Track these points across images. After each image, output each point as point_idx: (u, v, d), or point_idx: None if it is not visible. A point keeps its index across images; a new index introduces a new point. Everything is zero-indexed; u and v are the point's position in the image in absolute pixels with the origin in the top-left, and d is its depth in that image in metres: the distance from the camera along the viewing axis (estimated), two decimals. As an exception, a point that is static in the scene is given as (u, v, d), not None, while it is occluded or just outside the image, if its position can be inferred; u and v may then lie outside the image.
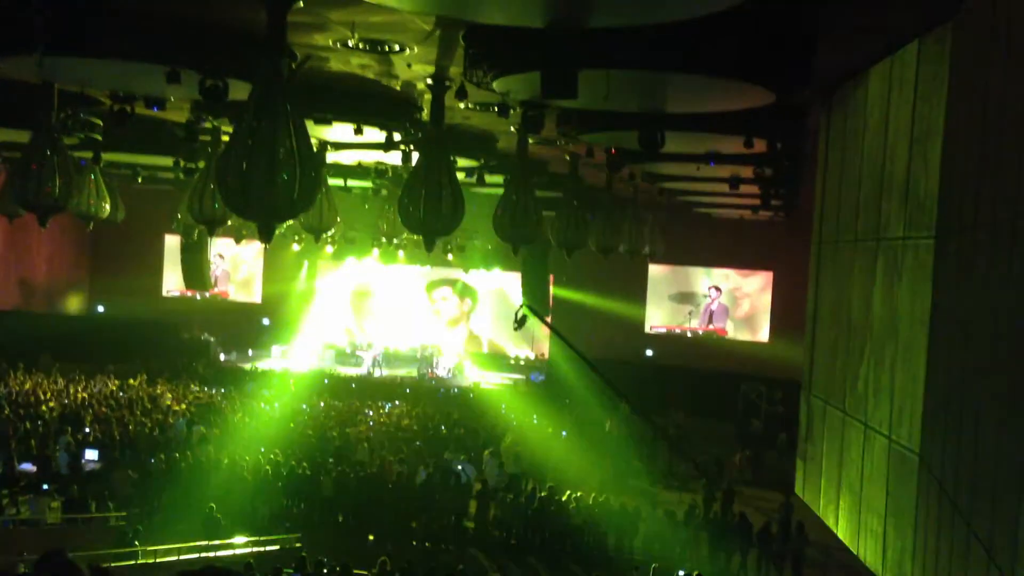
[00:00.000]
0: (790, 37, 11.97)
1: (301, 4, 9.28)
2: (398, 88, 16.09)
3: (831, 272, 19.23)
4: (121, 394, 26.49)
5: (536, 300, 33.23)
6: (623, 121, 15.48)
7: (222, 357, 37.60)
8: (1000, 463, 9.00)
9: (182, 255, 30.48)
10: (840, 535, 17.73)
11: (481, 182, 22.81)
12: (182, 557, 15.05)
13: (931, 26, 13.52)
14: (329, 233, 24.42)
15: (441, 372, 36.45)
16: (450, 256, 35.01)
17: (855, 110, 17.50)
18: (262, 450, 20.14)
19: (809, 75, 12.84)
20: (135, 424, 22.04)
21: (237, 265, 42.03)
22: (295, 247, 34.68)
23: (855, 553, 16.84)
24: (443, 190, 13.38)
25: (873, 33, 14.01)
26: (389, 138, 17.75)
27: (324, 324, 41.05)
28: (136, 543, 14.90)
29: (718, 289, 39.24)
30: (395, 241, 30.06)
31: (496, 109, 14.54)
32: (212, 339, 37.72)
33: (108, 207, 22.71)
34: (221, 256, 40.35)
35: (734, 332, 39.20)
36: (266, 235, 9.06)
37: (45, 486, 17.52)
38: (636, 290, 38.71)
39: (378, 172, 24.63)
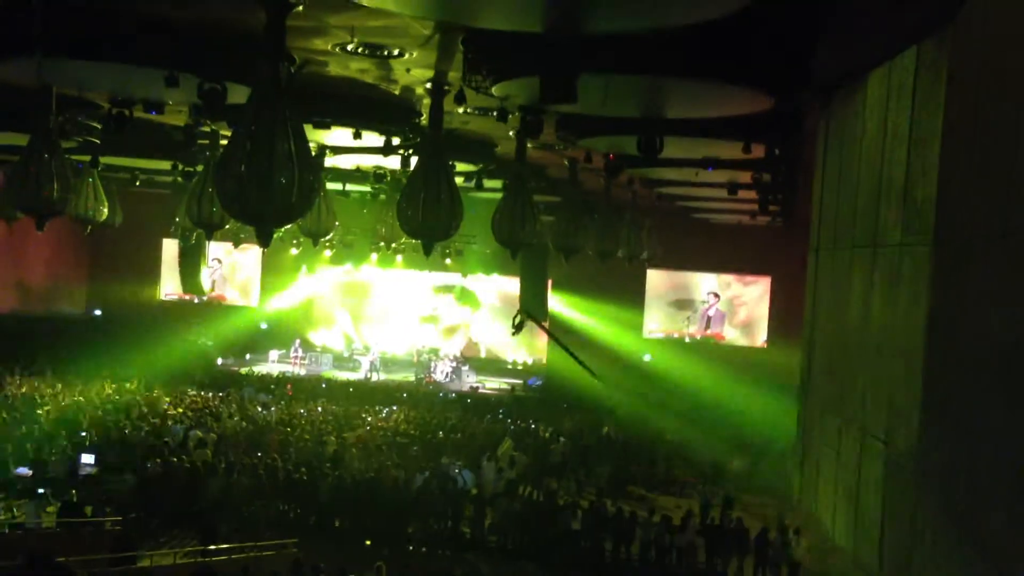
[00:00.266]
0: (788, 42, 11.99)
1: (300, 8, 9.30)
2: (397, 92, 16.09)
3: (829, 277, 19.22)
4: (118, 398, 26.43)
5: (534, 305, 33.22)
6: (622, 126, 15.50)
7: (219, 361, 37.58)
8: (997, 469, 9.00)
9: (180, 259, 30.44)
10: (837, 540, 17.72)
11: (480, 187, 22.83)
12: (178, 562, 15.02)
13: (929, 31, 13.53)
14: (327, 237, 24.42)
15: (439, 376, 36.41)
16: (448, 260, 35.00)
17: (853, 115, 17.50)
18: (259, 455, 20.11)
19: (807, 80, 12.87)
20: (132, 428, 22.00)
21: (235, 269, 42.00)
22: (293, 251, 34.66)
23: (852, 558, 16.82)
24: (442, 194, 13.40)
25: (871, 38, 14.02)
26: (388, 142, 17.76)
27: (322, 328, 41.09)
28: (132, 548, 14.85)
29: (716, 295, 39.24)
30: (393, 245, 30.05)
31: (495, 114, 14.55)
32: (210, 343, 37.67)
33: (106, 211, 22.72)
34: (219, 260, 40.33)
35: (732, 337, 39.19)
36: (264, 239, 9.06)
37: (41, 490, 17.47)
38: (634, 295, 38.70)
39: (377, 176, 24.63)
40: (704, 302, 39.34)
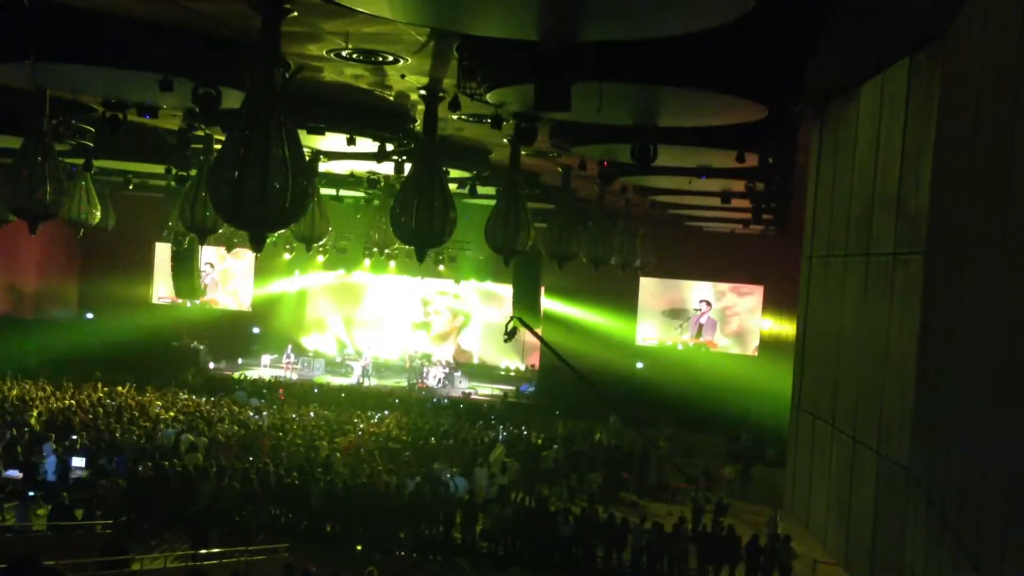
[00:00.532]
0: (783, 52, 12.03)
1: (295, 14, 9.32)
2: (391, 98, 16.10)
3: (821, 286, 19.29)
4: (109, 401, 26.37)
5: (527, 312, 33.25)
6: (616, 134, 15.54)
7: (211, 365, 37.51)
8: (988, 477, 9.02)
9: (172, 263, 30.40)
10: (828, 549, 17.75)
11: (473, 193, 22.84)
12: (169, 565, 14.97)
13: (922, 43, 13.60)
14: (321, 243, 24.40)
15: (431, 382, 36.39)
16: (442, 267, 35.00)
17: (847, 125, 17.58)
18: (251, 459, 20.08)
19: (801, 90, 12.92)
20: (123, 432, 21.94)
21: (228, 274, 41.93)
22: (286, 256, 34.62)
23: (843, 567, 16.85)
24: (435, 201, 13.39)
25: (865, 50, 14.10)
26: (382, 148, 17.77)
27: (314, 333, 41.07)
28: (123, 551, 14.80)
29: (708, 303, 39.30)
30: (386, 251, 30.04)
31: (489, 121, 14.56)
32: (201, 347, 37.62)
33: (99, 214, 22.67)
34: (211, 265, 40.27)
35: (724, 346, 39.25)
36: (257, 244, 9.05)
37: (31, 493, 17.42)
38: (627, 303, 38.74)
39: (370, 182, 24.63)
40: (697, 310, 39.40)
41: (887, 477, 14.67)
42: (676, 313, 39.55)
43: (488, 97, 12.81)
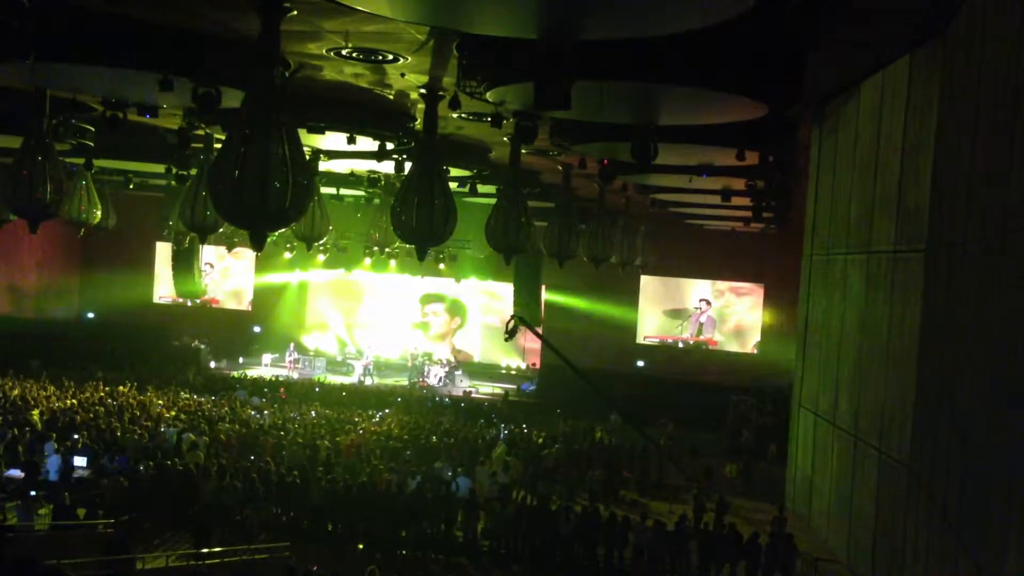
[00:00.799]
0: (783, 51, 12.03)
1: (295, 13, 9.32)
2: (392, 97, 16.10)
3: (822, 284, 19.28)
4: (111, 401, 26.37)
5: (528, 310, 33.26)
6: (616, 132, 15.54)
7: (212, 364, 37.53)
8: (989, 475, 9.02)
9: (173, 262, 30.41)
10: (830, 546, 17.75)
11: (474, 192, 22.84)
12: (171, 564, 14.98)
13: (922, 41, 13.60)
14: (321, 241, 24.41)
15: (432, 381, 36.40)
16: (442, 266, 35.01)
17: (847, 123, 17.57)
18: (252, 458, 20.08)
19: (801, 88, 12.91)
20: (124, 431, 21.94)
21: (228, 273, 41.95)
22: (287, 255, 34.62)
23: (845, 565, 16.85)
24: (436, 200, 13.40)
25: (865, 48, 14.09)
26: (382, 147, 17.76)
27: (315, 332, 41.09)
28: (125, 550, 14.81)
29: (708, 302, 39.33)
30: (387, 250, 30.05)
31: (489, 119, 14.56)
32: (202, 346, 37.64)
33: (99, 213, 22.69)
34: (211, 265, 40.28)
35: (724, 343, 39.29)
36: (258, 243, 9.06)
37: (33, 492, 17.40)
38: (628, 301, 38.75)
39: (371, 181, 24.64)
40: (697, 308, 39.44)
41: (888, 475, 14.67)
42: (677, 314, 39.59)
43: (488, 96, 12.81)
